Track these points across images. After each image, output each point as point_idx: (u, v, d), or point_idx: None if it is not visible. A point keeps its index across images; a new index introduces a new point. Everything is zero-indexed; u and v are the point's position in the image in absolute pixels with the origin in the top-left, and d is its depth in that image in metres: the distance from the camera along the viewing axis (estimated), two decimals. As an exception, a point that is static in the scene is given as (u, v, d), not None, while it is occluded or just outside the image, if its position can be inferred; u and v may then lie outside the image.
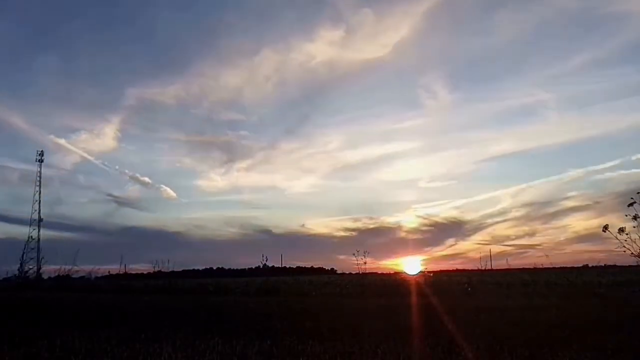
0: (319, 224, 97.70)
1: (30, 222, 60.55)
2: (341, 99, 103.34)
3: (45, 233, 60.11)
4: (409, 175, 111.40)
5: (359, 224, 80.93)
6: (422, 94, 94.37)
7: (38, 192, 62.20)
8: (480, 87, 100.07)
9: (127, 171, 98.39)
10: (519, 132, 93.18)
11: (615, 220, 9.56)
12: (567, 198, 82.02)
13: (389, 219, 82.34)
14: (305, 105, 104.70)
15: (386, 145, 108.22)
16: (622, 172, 73.63)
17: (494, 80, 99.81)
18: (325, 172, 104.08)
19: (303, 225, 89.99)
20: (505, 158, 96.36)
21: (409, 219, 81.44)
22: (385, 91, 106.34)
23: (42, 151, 64.56)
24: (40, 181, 62.91)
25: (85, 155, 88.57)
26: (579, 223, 65.61)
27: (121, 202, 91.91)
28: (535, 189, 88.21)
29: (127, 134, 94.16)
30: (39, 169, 63.33)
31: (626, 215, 9.19)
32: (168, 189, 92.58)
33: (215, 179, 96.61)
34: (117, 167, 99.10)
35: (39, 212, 61.39)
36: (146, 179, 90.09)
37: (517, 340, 4.47)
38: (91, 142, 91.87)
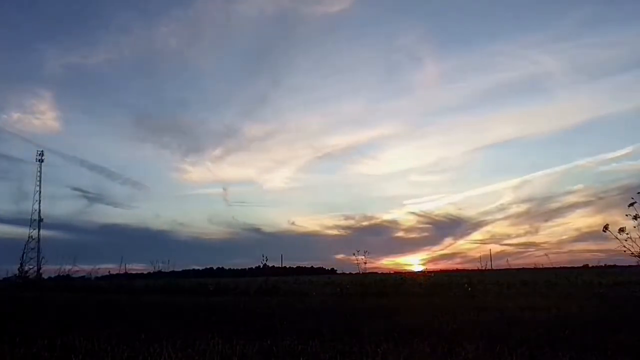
0: (309, 222, 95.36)
1: (30, 223, 60.69)
2: (305, 69, 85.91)
3: (18, 231, 57.48)
4: (398, 166, 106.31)
5: (351, 222, 78.84)
6: (403, 61, 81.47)
7: (38, 192, 62.34)
8: (474, 53, 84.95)
9: (89, 160, 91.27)
10: (522, 113, 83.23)
11: (618, 218, 9.53)
12: (570, 192, 77.74)
13: (384, 216, 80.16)
14: (264, 79, 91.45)
15: (368, 130, 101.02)
16: (630, 163, 69.39)
17: (490, 42, 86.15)
18: (303, 162, 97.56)
19: (293, 224, 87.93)
20: (503, 145, 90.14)
21: (404, 217, 79.97)
22: (356, 57, 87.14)
23: (42, 151, 64.73)
24: (40, 181, 63.04)
25: (31, 139, 79.62)
26: (581, 220, 63.79)
27: (92, 198, 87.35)
28: (537, 182, 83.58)
29: (69, 115, 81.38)
30: (39, 169, 63.47)
31: (626, 215, 9.20)
32: (139, 182, 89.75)
33: (188, 171, 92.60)
34: (74, 155, 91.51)
35: (39, 212, 61.59)
36: (114, 170, 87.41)
37: (517, 340, 4.47)
38: (29, 123, 77.79)
